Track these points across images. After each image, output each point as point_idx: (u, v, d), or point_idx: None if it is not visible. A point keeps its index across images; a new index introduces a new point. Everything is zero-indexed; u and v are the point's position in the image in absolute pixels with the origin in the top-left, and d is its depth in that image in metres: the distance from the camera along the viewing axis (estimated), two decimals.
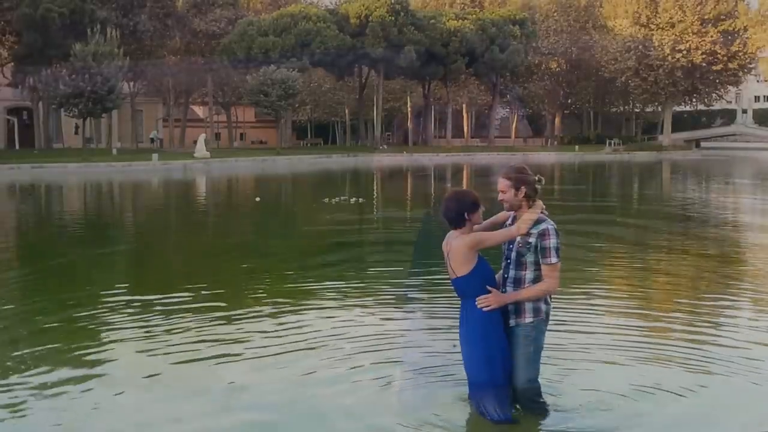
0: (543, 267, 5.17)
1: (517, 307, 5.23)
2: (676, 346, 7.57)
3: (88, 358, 7.30)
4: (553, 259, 5.14)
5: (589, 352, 7.30)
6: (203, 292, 10.38)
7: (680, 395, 6.12)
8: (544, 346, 5.39)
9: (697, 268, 12.81)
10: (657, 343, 7.71)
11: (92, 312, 9.28)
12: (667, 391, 6.19)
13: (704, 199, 28.55)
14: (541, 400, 5.45)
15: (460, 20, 79.83)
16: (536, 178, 5.27)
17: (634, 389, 6.22)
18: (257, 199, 27.47)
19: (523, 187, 5.22)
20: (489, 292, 5.15)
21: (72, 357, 7.33)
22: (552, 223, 5.20)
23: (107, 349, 7.61)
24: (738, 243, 16.02)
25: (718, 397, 6.22)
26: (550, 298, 5.35)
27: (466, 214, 5.18)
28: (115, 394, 6.19)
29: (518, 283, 5.22)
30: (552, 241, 5.13)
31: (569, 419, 5.51)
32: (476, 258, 5.18)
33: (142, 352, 7.43)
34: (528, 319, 5.23)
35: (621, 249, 14.96)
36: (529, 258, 5.17)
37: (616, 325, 8.40)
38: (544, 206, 5.25)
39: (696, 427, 5.65)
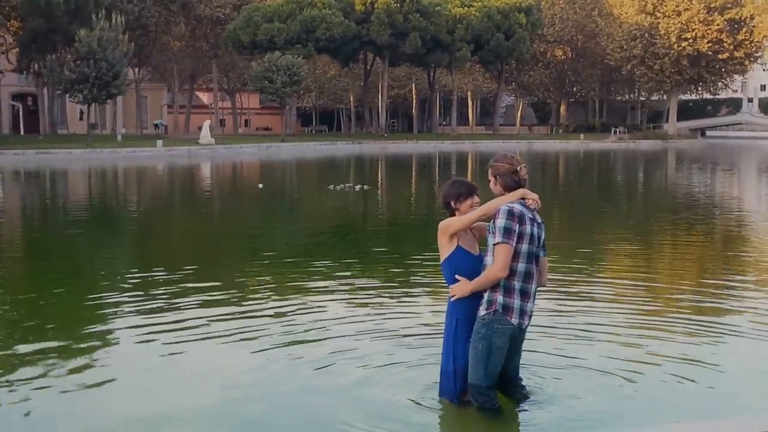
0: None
1: (481, 299, 5.15)
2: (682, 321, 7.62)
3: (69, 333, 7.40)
4: (497, 238, 4.97)
5: (597, 333, 7.36)
6: (198, 275, 10.45)
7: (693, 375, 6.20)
8: (504, 348, 5.11)
9: (700, 249, 12.87)
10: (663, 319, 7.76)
11: (86, 291, 9.44)
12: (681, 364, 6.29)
13: (704, 185, 28.55)
14: (486, 406, 5.21)
15: (466, 7, 79.59)
16: (515, 169, 5.18)
17: (642, 367, 6.30)
18: (260, 185, 27.52)
19: (498, 177, 5.21)
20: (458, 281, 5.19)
21: (59, 335, 7.41)
22: (513, 205, 5.03)
23: (92, 324, 7.71)
24: (739, 227, 16.04)
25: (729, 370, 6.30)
26: (524, 294, 5.09)
27: (452, 203, 5.28)
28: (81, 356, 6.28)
29: (485, 269, 5.11)
30: (499, 221, 4.98)
31: (573, 401, 5.58)
32: (453, 246, 5.23)
33: (129, 328, 7.52)
34: (481, 312, 5.11)
35: (623, 234, 14.99)
36: (491, 241, 5.08)
37: (619, 305, 8.46)
38: (533, 197, 5.12)
39: (710, 403, 5.71)
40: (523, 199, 5.11)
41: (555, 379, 6.00)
